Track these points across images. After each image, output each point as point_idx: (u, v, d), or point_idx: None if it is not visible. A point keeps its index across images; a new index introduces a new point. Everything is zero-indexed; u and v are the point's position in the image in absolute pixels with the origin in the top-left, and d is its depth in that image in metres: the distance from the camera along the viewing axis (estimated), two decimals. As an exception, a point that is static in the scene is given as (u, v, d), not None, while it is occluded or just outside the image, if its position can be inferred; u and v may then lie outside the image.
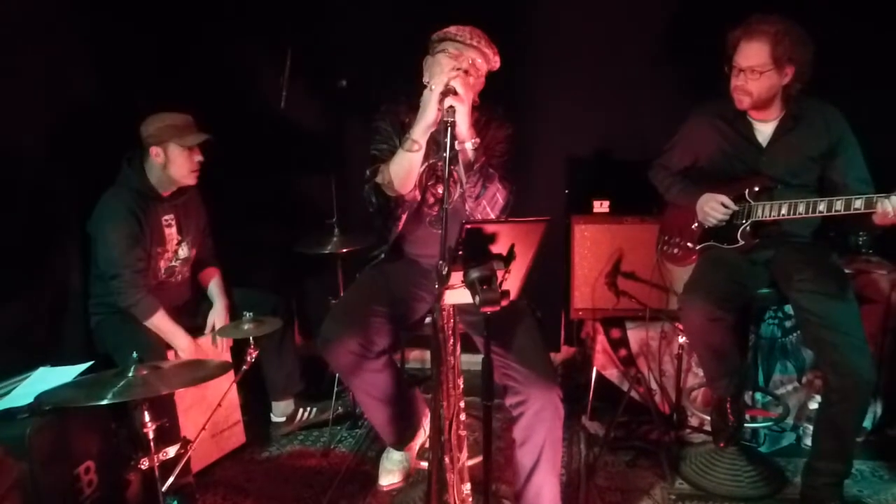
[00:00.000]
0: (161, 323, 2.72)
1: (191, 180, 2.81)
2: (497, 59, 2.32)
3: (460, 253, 1.58)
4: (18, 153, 2.67)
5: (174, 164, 2.73)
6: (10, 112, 2.61)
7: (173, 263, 2.89)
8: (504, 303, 1.55)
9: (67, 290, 2.88)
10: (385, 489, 2.66)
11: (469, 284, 1.57)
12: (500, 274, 1.58)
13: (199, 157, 2.77)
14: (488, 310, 1.55)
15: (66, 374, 2.31)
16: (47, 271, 2.82)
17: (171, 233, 2.86)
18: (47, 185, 2.77)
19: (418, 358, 3.77)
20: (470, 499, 2.02)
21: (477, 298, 1.54)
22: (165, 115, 2.73)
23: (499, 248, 1.61)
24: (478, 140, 2.18)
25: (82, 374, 2.33)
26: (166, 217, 2.84)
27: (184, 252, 2.92)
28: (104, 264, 2.69)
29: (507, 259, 1.62)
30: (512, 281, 1.67)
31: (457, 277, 1.61)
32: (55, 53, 2.82)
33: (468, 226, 1.58)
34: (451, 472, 1.95)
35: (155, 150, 2.71)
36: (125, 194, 2.71)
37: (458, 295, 1.67)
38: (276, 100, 3.26)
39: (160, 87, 3.22)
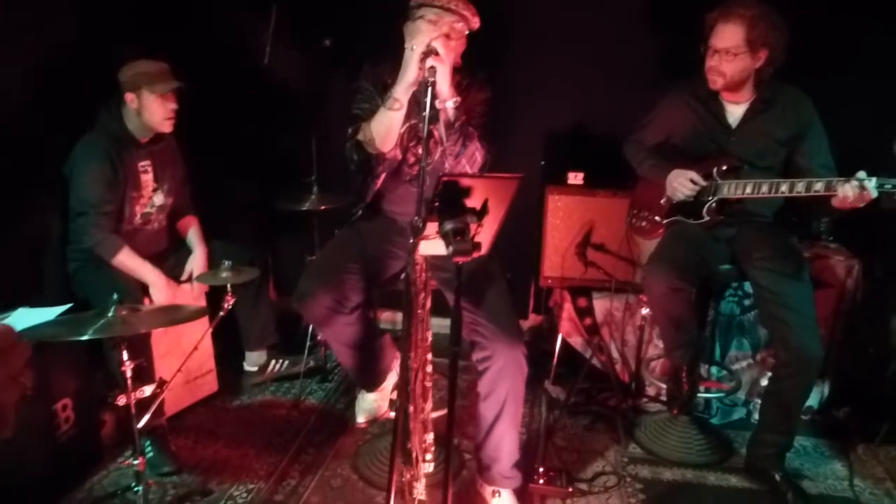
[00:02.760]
0: (128, 260, 2.75)
1: (166, 127, 2.83)
2: (476, 19, 2.33)
3: (436, 204, 1.64)
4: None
5: (147, 110, 2.77)
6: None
7: (148, 210, 2.92)
8: (476, 254, 1.61)
9: (46, 235, 2.88)
10: (362, 426, 2.82)
11: (443, 235, 1.63)
12: (472, 227, 1.64)
13: (172, 105, 2.80)
14: (460, 260, 1.62)
15: (45, 314, 2.34)
16: (25, 215, 2.81)
17: (147, 179, 2.90)
18: (26, 129, 2.75)
19: (389, 319, 3.85)
20: (432, 447, 2.09)
21: (450, 248, 1.60)
22: (141, 62, 2.77)
23: (473, 202, 1.67)
24: (458, 99, 2.22)
25: (62, 314, 2.35)
26: (142, 163, 2.88)
27: (159, 199, 2.95)
28: (74, 202, 2.73)
29: (481, 213, 1.67)
30: (484, 235, 1.73)
31: (432, 228, 1.67)
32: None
33: (445, 178, 1.64)
34: (416, 420, 2.02)
35: (130, 96, 2.75)
36: (102, 139, 2.75)
37: (432, 246, 1.72)
38: (260, 55, 3.27)
39: (143, 37, 3.21)
